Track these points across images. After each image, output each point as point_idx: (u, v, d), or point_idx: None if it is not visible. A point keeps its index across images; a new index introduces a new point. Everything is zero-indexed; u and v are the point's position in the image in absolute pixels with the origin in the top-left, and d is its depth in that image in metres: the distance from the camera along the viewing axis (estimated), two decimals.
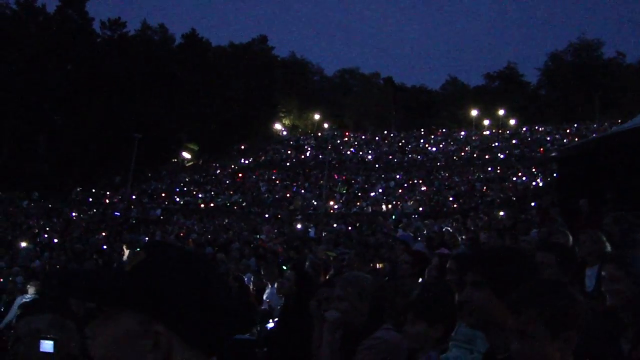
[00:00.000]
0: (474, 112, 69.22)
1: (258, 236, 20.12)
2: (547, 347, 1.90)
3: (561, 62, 75.20)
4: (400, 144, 60.26)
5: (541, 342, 1.90)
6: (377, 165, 50.53)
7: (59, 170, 49.88)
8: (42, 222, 30.23)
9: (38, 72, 54.38)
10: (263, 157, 58.24)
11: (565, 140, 47.42)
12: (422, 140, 60.83)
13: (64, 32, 59.53)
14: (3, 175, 43.99)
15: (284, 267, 9.05)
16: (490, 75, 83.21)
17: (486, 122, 68.70)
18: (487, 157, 49.09)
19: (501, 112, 69.65)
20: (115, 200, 43.14)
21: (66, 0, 62.19)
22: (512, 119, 69.11)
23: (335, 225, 26.04)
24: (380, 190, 40.73)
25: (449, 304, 3.19)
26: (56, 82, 55.34)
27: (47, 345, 3.09)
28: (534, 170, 39.76)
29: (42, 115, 53.35)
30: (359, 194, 40.43)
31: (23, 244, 19.79)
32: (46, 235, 24.55)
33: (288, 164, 54.80)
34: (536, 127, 60.35)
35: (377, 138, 64.75)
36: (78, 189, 47.08)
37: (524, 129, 61.73)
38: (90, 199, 43.80)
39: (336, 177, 45.66)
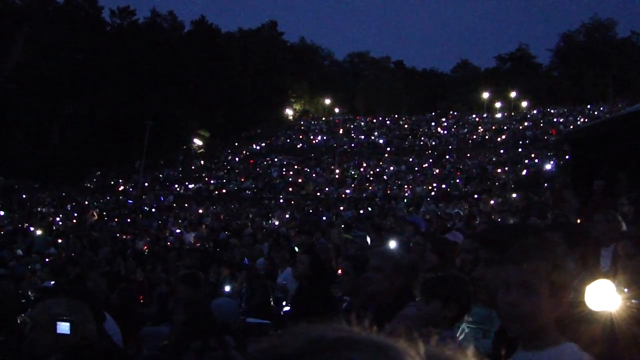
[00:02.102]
0: (486, 95, 68.80)
1: (270, 221, 20.18)
2: (545, 302, 1.89)
3: (573, 42, 74.16)
4: (411, 127, 60.10)
5: (541, 295, 1.89)
6: (388, 149, 50.43)
7: (72, 159, 50.09)
8: (56, 210, 30.44)
9: (49, 62, 54.56)
10: (274, 143, 58.29)
11: (578, 122, 47.07)
12: (433, 124, 60.61)
13: (73, 21, 59.64)
14: (16, 165, 44.28)
15: (296, 251, 9.07)
16: (502, 57, 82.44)
17: (498, 105, 68.26)
18: (498, 139, 48.86)
19: (513, 94, 69.11)
20: (129, 187, 43.39)
21: None
22: (524, 101, 68.57)
23: (343, 208, 26.02)
24: (391, 174, 40.67)
25: (464, 284, 3.20)
26: (67, 71, 55.48)
27: (63, 327, 3.14)
28: (547, 152, 39.51)
29: (54, 104, 53.55)
30: (371, 178, 40.39)
31: (38, 232, 19.93)
32: (60, 223, 24.73)
33: (299, 147, 54.88)
34: (548, 109, 59.92)
35: (388, 122, 64.58)
36: (97, 173, 47.42)
37: (536, 111, 61.33)
38: (104, 187, 44.09)
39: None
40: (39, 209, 31.09)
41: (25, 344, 4.43)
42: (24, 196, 36.71)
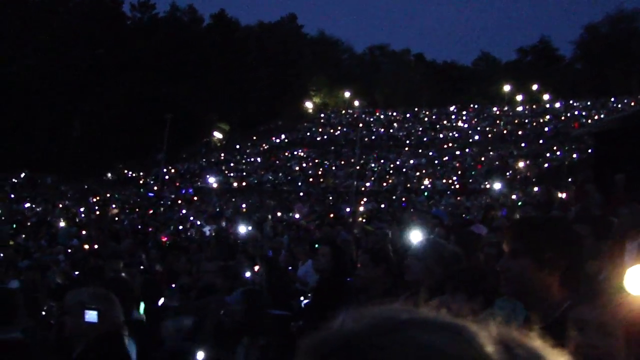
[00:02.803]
0: (507, 88, 68.21)
1: (291, 214, 20.21)
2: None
3: (597, 34, 73.03)
4: (431, 120, 59.84)
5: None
6: (408, 142, 50.28)
7: (93, 153, 50.59)
8: (78, 203, 30.79)
9: (70, 57, 55.07)
10: (294, 136, 58.36)
11: (601, 115, 46.54)
12: (453, 117, 60.28)
13: (94, 15, 60.05)
14: (39, 159, 44.83)
15: (317, 245, 9.08)
16: (523, 50, 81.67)
17: (519, 98, 67.63)
18: (519, 133, 48.48)
19: (534, 87, 68.42)
20: (149, 180, 43.74)
21: None
22: (546, 94, 67.77)
23: (363, 201, 25.99)
24: (411, 167, 40.56)
25: (489, 276, 3.19)
26: (88, 66, 55.96)
27: (91, 315, 3.20)
28: (570, 146, 39.11)
29: (75, 98, 54.06)
30: (390, 172, 40.31)
31: (62, 224, 20.17)
32: (83, 215, 25.00)
33: (319, 140, 54.89)
34: (571, 102, 59.27)
35: (408, 115, 64.34)
36: (120, 166, 47.85)
37: (558, 104, 60.68)
38: (125, 180, 44.50)
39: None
40: (62, 201, 31.46)
41: (52, 330, 4.51)
42: (47, 189, 37.21)
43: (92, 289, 3.59)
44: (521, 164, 36.09)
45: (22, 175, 40.19)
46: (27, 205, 28.68)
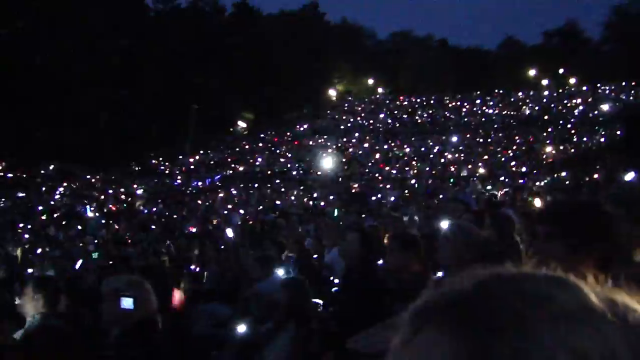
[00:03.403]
0: (532, 72, 67.30)
1: (316, 202, 20.27)
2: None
3: (626, 15, 71.44)
4: (456, 106, 59.39)
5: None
6: (432, 128, 49.98)
7: (120, 143, 51.08)
8: (106, 193, 31.18)
9: (95, 49, 55.54)
10: (318, 123, 58.37)
11: (630, 98, 45.78)
12: (478, 102, 59.75)
13: (117, 7, 60.43)
14: (68, 150, 45.37)
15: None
16: (549, 33, 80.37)
17: (545, 82, 66.69)
18: (545, 117, 47.88)
19: (561, 70, 67.37)
20: (175, 170, 44.10)
21: None
22: (573, 77, 66.65)
23: (389, 187, 25.93)
24: (436, 153, 40.32)
25: (518, 260, 3.18)
26: (112, 57, 56.45)
27: (127, 302, 3.26)
28: (597, 130, 38.53)
29: (101, 90, 54.57)
30: (415, 158, 40.13)
31: (90, 215, 20.48)
32: (111, 206, 25.33)
33: (343, 127, 54.80)
34: (599, 86, 58.30)
35: (432, 101, 63.93)
36: (151, 154, 48.33)
37: (585, 87, 59.74)
38: (151, 170, 44.93)
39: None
40: (91, 192, 31.89)
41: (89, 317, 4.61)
42: (76, 180, 37.74)
43: (128, 276, 3.66)
44: (548, 149, 35.66)
45: (52, 167, 40.77)
46: (57, 196, 29.16)
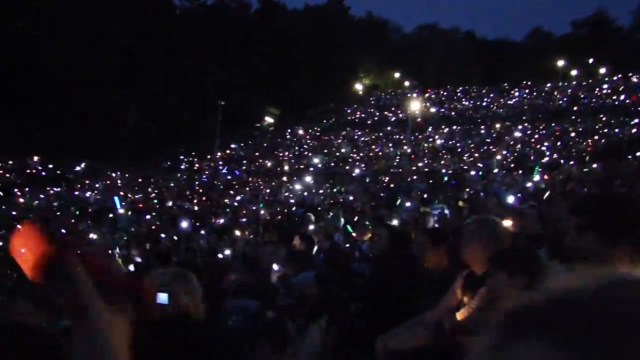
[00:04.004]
0: (560, 63, 66.23)
1: (344, 196, 20.28)
2: None
3: None
4: (483, 98, 58.87)
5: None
6: (460, 121, 49.62)
7: (148, 140, 51.67)
8: (136, 189, 31.57)
9: (121, 46, 56.20)
10: (345, 118, 58.33)
11: None
12: (505, 94, 59.15)
13: (144, 5, 61.01)
14: (97, 147, 45.98)
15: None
16: (577, 23, 79.14)
17: (574, 73, 65.64)
18: (575, 108, 47.19)
19: (590, 61, 66.23)
20: (204, 165, 44.48)
21: None
22: (602, 67, 65.41)
23: (417, 181, 25.82)
24: (464, 146, 40.02)
25: (530, 254, 3.19)
26: (139, 54, 57.04)
27: (162, 297, 3.32)
28: (629, 120, 37.84)
29: (128, 87, 55.19)
30: (443, 151, 39.88)
31: (121, 211, 20.72)
32: (141, 202, 25.62)
33: (370, 122, 54.69)
34: (629, 75, 57.21)
35: (459, 94, 63.44)
36: (182, 150, 48.78)
37: (616, 77, 58.68)
38: (180, 165, 45.39)
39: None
40: (121, 189, 32.29)
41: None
42: (106, 177, 38.27)
43: (163, 271, 3.73)
44: (578, 140, 35.19)
45: (82, 164, 41.39)
46: (88, 193, 29.59)
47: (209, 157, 46.44)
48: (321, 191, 25.63)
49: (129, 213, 19.95)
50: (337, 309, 4.60)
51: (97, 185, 34.04)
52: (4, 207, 25.04)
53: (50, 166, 39.12)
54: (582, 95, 51.85)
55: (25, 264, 1.08)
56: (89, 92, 51.72)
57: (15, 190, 30.75)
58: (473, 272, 3.65)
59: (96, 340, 1.05)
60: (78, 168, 40.58)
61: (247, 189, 30.21)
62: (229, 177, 35.96)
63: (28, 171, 38.53)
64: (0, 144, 39.25)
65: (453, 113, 53.78)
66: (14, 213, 20.90)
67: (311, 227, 15.03)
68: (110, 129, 52.20)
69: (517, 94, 58.75)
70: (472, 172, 26.87)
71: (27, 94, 47.31)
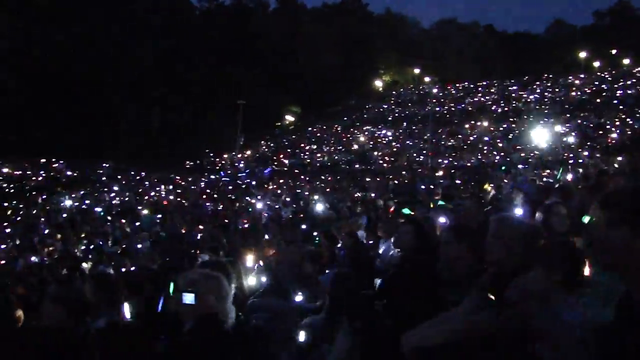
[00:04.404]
0: (583, 54, 65.34)
1: (366, 194, 20.23)
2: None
3: None
4: (503, 92, 58.38)
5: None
6: (481, 116, 49.25)
7: (171, 141, 52.12)
8: (160, 190, 31.80)
9: (143, 49, 56.77)
10: (365, 114, 58.26)
11: None
12: (527, 87, 58.60)
13: (164, 7, 61.60)
14: (123, 150, 46.52)
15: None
16: (600, 13, 78.06)
17: (596, 64, 64.71)
18: (598, 100, 46.57)
19: (613, 51, 65.27)
20: (226, 165, 44.72)
21: None
22: (626, 58, 64.35)
23: (439, 177, 25.70)
24: (485, 141, 39.73)
25: (566, 247, 3.16)
26: (161, 57, 57.56)
27: (188, 298, 3.36)
28: None
29: (152, 89, 55.76)
30: (465, 146, 39.64)
31: (145, 212, 20.92)
32: (165, 202, 25.81)
33: (390, 118, 54.55)
34: None
35: (480, 88, 62.99)
36: (208, 151, 49.16)
37: None
38: (202, 165, 45.70)
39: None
40: (145, 190, 32.59)
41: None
42: (131, 178, 38.68)
43: (191, 272, 3.77)
44: (602, 133, 34.72)
45: (107, 165, 41.90)
46: (113, 194, 29.93)
47: (230, 153, 46.69)
48: (342, 189, 25.63)
49: (153, 214, 20.09)
50: (359, 307, 4.59)
51: (115, 188, 34.38)
52: (34, 211, 25.51)
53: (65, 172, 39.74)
54: (605, 87, 51.13)
55: None
56: (120, 93, 52.56)
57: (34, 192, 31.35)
58: (501, 268, 3.62)
59: None
60: (101, 170, 41.09)
61: (269, 188, 30.30)
62: (250, 179, 36.09)
63: (52, 174, 39.16)
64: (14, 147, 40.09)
65: (474, 107, 53.37)
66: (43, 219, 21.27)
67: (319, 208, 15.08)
68: (135, 130, 52.81)
69: (538, 87, 58.13)
70: (495, 167, 26.65)
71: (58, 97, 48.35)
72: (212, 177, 39.82)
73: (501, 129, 42.86)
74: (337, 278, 4.88)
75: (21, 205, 28.83)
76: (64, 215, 23.96)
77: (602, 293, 3.04)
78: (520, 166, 26.27)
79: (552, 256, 3.04)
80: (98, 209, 24.49)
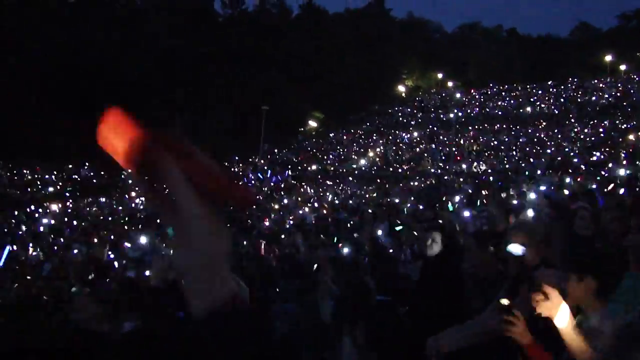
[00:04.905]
0: (608, 58, 64.57)
1: (389, 199, 20.19)
2: None
3: None
4: (527, 96, 57.97)
5: None
6: (504, 120, 48.92)
7: (194, 145, 52.41)
8: None
9: (167, 55, 57.33)
10: (388, 120, 58.18)
11: None
12: (551, 91, 58.09)
13: (188, 14, 62.18)
14: None
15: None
16: (626, 15, 77.01)
17: (622, 67, 63.89)
18: (624, 104, 45.99)
19: None
20: (248, 169, 44.92)
21: None
22: None
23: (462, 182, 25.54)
24: (509, 146, 39.42)
25: (598, 255, 3.14)
26: (185, 62, 58.07)
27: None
28: None
29: (174, 95, 56.26)
30: (487, 151, 39.37)
31: None
32: None
33: (413, 123, 54.43)
34: None
35: (503, 93, 62.59)
36: (236, 157, 49.48)
37: None
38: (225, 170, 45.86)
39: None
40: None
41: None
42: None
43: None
44: (630, 137, 34.18)
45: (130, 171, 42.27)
46: (137, 200, 30.18)
47: (255, 160, 46.87)
48: (366, 195, 25.61)
49: None
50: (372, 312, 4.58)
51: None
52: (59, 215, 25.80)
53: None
54: (632, 91, 50.51)
55: (115, 153, 1.00)
56: (143, 97, 53.15)
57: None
58: (523, 274, 3.62)
59: (190, 243, 0.94)
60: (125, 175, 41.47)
61: (293, 193, 30.35)
62: (272, 184, 36.23)
63: (78, 178, 39.67)
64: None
65: (498, 112, 53.03)
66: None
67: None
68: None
69: (563, 90, 57.61)
70: (519, 173, 26.42)
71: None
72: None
73: (526, 133, 42.50)
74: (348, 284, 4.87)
75: (40, 210, 29.12)
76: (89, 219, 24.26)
77: (629, 299, 3.02)
78: (540, 172, 26.02)
79: (587, 266, 3.02)
80: (121, 214, 24.72)
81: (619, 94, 50.53)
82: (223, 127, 54.76)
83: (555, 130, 41.99)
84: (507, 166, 33.29)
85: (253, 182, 38.14)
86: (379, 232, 10.70)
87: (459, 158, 37.49)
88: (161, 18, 60.21)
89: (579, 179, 15.11)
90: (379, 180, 33.67)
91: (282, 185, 35.68)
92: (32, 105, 44.98)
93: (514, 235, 3.76)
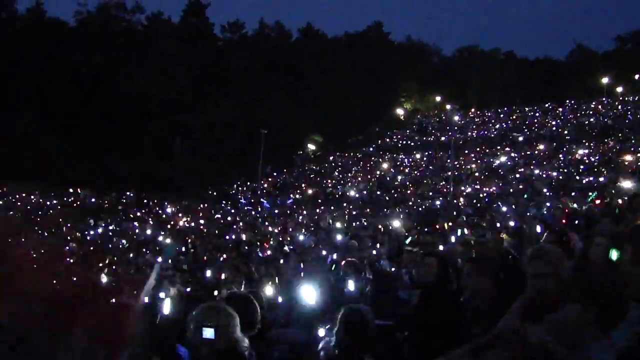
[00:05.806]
0: (605, 80, 64.94)
1: (389, 223, 20.14)
2: None
3: None
4: (525, 118, 58.20)
5: None
6: (503, 143, 49.02)
7: (194, 169, 52.50)
8: (182, 219, 31.96)
9: (168, 78, 57.75)
10: (387, 143, 58.32)
11: None
12: (549, 113, 58.33)
13: (188, 39, 62.74)
14: (145, 177, 46.88)
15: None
16: (622, 38, 77.55)
17: (619, 90, 64.21)
18: (623, 126, 46.15)
19: (637, 76, 64.76)
20: (247, 193, 44.91)
21: (189, 9, 65.77)
22: None
23: (462, 205, 25.54)
24: (507, 168, 39.43)
25: (602, 284, 3.11)
26: (185, 86, 58.48)
27: (208, 332, 3.39)
28: None
29: (175, 117, 56.51)
30: (486, 173, 39.37)
31: (167, 241, 21.01)
32: (187, 231, 25.92)
33: (412, 145, 54.55)
34: None
35: (502, 115, 62.85)
36: (238, 179, 49.52)
37: None
38: (224, 194, 45.91)
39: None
40: (166, 218, 32.78)
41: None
42: (153, 207, 38.95)
43: (210, 305, 3.76)
44: (628, 158, 34.12)
45: (129, 193, 42.32)
46: (136, 223, 30.13)
47: (254, 185, 46.84)
48: (364, 218, 25.58)
49: (176, 244, 20.17)
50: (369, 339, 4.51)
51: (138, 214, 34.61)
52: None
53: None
54: (629, 113, 50.71)
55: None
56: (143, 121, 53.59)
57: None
58: (532, 300, 3.54)
59: None
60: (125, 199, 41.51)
61: (291, 217, 30.28)
62: (271, 208, 36.19)
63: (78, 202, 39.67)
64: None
65: (496, 134, 53.20)
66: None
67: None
68: (158, 159, 53.42)
69: (561, 113, 57.85)
70: (518, 195, 26.39)
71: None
72: (234, 205, 39.98)
73: (525, 155, 42.55)
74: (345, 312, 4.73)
75: (46, 234, 29.04)
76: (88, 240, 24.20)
77: (634, 326, 2.99)
78: (544, 191, 26.02)
79: (587, 295, 2.99)
80: (121, 239, 24.63)
81: (615, 116, 50.71)
82: (223, 152, 54.92)
83: (555, 152, 42.06)
84: (507, 187, 33.20)
85: (251, 207, 38.13)
86: (377, 255, 10.67)
87: (456, 181, 37.43)
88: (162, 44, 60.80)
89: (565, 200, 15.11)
90: (377, 203, 33.64)
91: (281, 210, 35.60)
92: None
93: (533, 265, 3.49)
